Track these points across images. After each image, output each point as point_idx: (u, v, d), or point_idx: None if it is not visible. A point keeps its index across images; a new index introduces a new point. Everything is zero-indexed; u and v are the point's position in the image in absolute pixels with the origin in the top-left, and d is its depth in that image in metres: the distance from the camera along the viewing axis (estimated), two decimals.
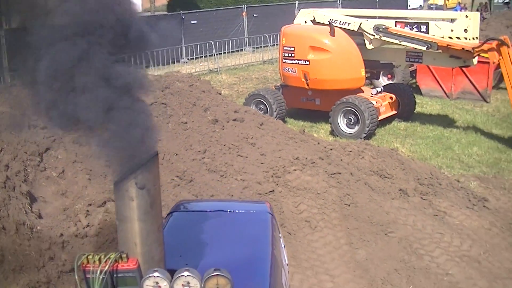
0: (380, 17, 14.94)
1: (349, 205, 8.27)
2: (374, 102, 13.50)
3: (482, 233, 8.46)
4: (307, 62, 13.66)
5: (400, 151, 11.43)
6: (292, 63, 13.93)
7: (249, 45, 25.75)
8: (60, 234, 5.89)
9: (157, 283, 2.85)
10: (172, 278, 2.87)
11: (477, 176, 10.97)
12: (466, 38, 13.40)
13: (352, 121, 13.16)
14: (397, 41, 13.63)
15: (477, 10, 31.24)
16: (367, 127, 12.87)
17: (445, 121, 14.82)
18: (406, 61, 14.48)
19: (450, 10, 27.83)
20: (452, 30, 13.54)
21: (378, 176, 9.35)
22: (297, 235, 7.68)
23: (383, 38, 13.71)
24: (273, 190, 8.04)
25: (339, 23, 14.07)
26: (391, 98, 14.24)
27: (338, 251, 7.57)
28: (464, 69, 16.32)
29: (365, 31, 13.83)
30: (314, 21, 14.69)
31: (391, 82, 17.17)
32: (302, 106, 14.62)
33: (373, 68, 14.90)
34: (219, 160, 8.28)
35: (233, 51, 24.33)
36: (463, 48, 12.91)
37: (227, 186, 7.90)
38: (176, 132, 8.67)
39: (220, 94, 10.81)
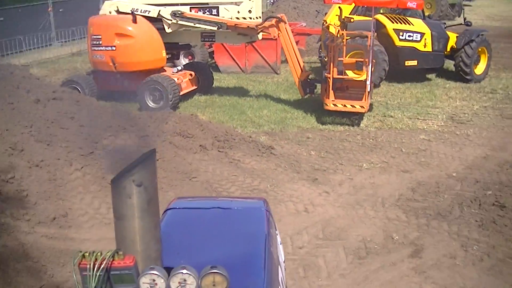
0: (179, 4, 16.41)
1: (157, 160, 9.81)
2: (175, 79, 15.04)
3: (270, 172, 10.38)
4: (113, 48, 14.83)
5: (200, 118, 13.05)
6: (100, 49, 15.00)
7: (57, 39, 26.14)
8: None
9: (153, 280, 2.88)
10: (169, 275, 2.91)
11: (266, 132, 12.94)
12: (250, 18, 15.35)
13: (157, 97, 14.57)
14: (192, 24, 15.29)
15: None
16: (171, 101, 14.37)
17: (240, 92, 16.73)
18: (202, 41, 16.27)
19: None
20: (238, 12, 15.42)
21: (181, 136, 10.95)
22: None
23: (180, 22, 15.30)
24: (93, 152, 9.41)
25: (141, 11, 15.37)
26: (190, 75, 15.93)
27: None
28: (255, 46, 18.43)
29: (164, 17, 15.31)
30: (118, 11, 15.87)
31: (191, 61, 18.86)
32: (112, 88, 15.65)
33: (173, 50, 16.48)
34: (44, 133, 9.45)
35: (42, 46, 24.69)
36: (248, 26, 14.86)
37: (53, 153, 9.13)
38: (5, 111, 9.71)
39: (38, 79, 11.89)
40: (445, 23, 19.27)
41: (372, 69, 14.23)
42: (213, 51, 20.07)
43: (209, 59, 20.45)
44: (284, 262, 5.09)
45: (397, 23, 17.45)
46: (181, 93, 15.16)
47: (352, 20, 14.78)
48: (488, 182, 10.20)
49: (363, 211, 9.14)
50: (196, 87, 16.27)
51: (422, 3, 13.42)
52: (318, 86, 14.95)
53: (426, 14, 20.04)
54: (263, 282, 3.69)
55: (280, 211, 9.00)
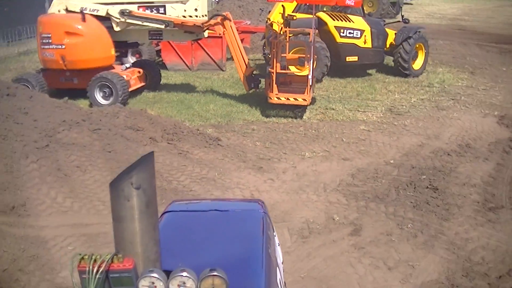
0: (127, 3, 16.70)
1: (110, 152, 10.26)
2: (124, 76, 15.42)
3: (217, 162, 10.89)
4: (63, 46, 15.10)
5: (150, 112, 13.46)
6: (50, 48, 15.22)
7: (3, 39, 25.99)
8: None
9: (153, 283, 2.85)
10: (168, 278, 2.88)
11: (213, 125, 13.44)
12: (196, 16, 15.82)
13: (107, 93, 14.91)
14: (140, 22, 15.67)
15: None
16: (120, 97, 14.73)
17: (187, 88, 17.19)
18: (149, 39, 16.65)
19: None
20: (185, 10, 15.86)
21: (132, 130, 11.37)
22: (72, 178, 9.50)
23: (128, 20, 15.64)
24: (48, 145, 9.79)
25: (89, 10, 15.61)
26: (139, 72, 16.33)
27: (105, 184, 9.55)
28: (201, 43, 18.92)
29: (112, 16, 15.63)
30: (67, 10, 16.09)
31: (139, 59, 19.23)
32: (62, 86, 15.82)
33: (122, 48, 16.82)
34: (0, 127, 9.84)
35: None
36: (194, 24, 15.34)
37: (9, 146, 9.48)
38: None
39: None
40: (384, 21, 20.06)
41: (314, 64, 14.88)
42: (160, 50, 20.46)
43: (156, 57, 20.82)
44: (282, 263, 5.06)
45: (338, 20, 18.13)
46: (130, 89, 15.53)
47: (294, 17, 15.49)
48: (423, 168, 10.93)
49: (306, 195, 9.73)
50: (144, 84, 16.67)
51: (360, 0, 14.13)
52: (263, 81, 15.51)
53: (367, 12, 20.83)
54: (262, 284, 3.67)
55: (228, 197, 9.52)
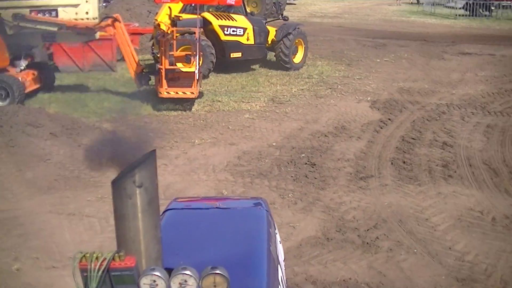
0: (19, 7, 17.06)
1: (13, 147, 11.09)
2: (20, 78, 15.92)
3: None
4: None
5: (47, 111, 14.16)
6: None
7: None
8: None
9: (154, 281, 2.84)
10: (169, 276, 2.88)
11: (108, 120, 14.22)
12: (88, 19, 16.56)
13: (3, 95, 15.32)
14: (33, 26, 16.14)
15: None
16: (17, 98, 15.13)
17: (81, 89, 17.77)
18: (42, 41, 17.12)
19: None
20: (76, 13, 16.59)
21: (32, 126, 12.17)
22: None
23: (21, 24, 16.07)
24: None
25: None
26: (33, 74, 16.79)
27: (11, 176, 10.37)
28: (92, 46, 19.50)
29: (5, 20, 16.05)
30: None
31: (32, 61, 19.63)
32: None
33: (15, 51, 17.23)
34: None
35: None
36: (86, 26, 16.04)
37: None
38: None
39: None
40: (266, 19, 21.43)
41: (200, 61, 15.99)
42: (52, 53, 20.85)
43: (50, 61, 21.19)
44: (284, 261, 5.12)
45: (222, 19, 19.27)
46: (26, 91, 15.99)
47: (181, 18, 16.51)
48: (302, 148, 12.28)
49: (197, 176, 10.84)
50: (39, 85, 17.11)
51: (240, 0, 15.34)
52: (153, 78, 16.43)
53: (251, 11, 22.06)
54: (264, 282, 3.70)
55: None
